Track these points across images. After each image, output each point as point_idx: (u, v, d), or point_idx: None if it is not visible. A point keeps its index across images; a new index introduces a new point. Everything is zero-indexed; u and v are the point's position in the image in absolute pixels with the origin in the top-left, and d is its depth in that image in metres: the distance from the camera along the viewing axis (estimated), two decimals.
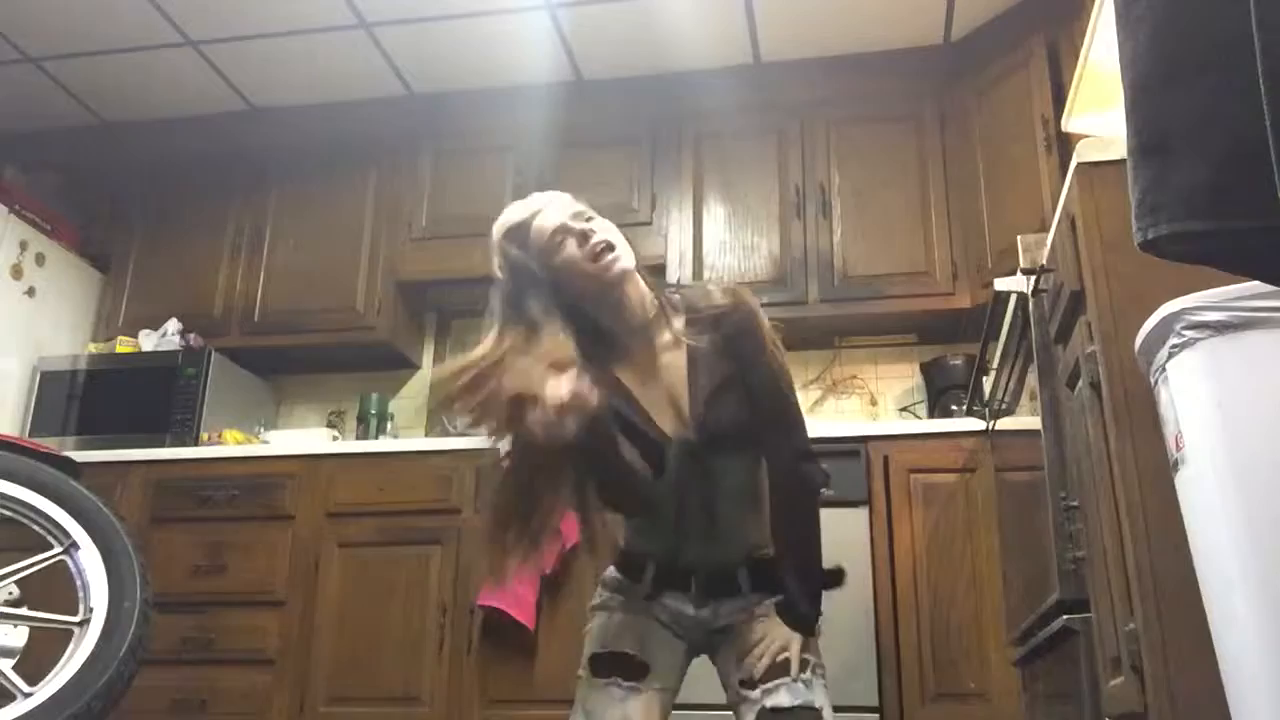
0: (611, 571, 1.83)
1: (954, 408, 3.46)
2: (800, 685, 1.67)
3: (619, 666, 1.72)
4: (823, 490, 1.75)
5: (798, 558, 1.74)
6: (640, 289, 1.72)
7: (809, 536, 1.74)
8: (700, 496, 1.73)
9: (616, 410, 1.67)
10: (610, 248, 1.67)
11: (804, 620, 1.72)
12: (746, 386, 1.72)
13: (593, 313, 1.69)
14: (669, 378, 1.74)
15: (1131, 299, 1.61)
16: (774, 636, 1.70)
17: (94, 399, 3.91)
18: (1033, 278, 2.20)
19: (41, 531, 1.95)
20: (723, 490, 1.75)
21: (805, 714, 1.65)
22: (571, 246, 1.67)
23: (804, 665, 1.69)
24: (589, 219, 1.71)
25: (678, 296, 1.79)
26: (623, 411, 1.69)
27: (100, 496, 2.02)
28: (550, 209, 1.73)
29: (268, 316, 4.08)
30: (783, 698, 1.66)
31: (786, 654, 1.69)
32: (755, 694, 1.68)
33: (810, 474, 1.74)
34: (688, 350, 1.73)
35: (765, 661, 1.68)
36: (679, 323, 1.74)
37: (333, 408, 4.26)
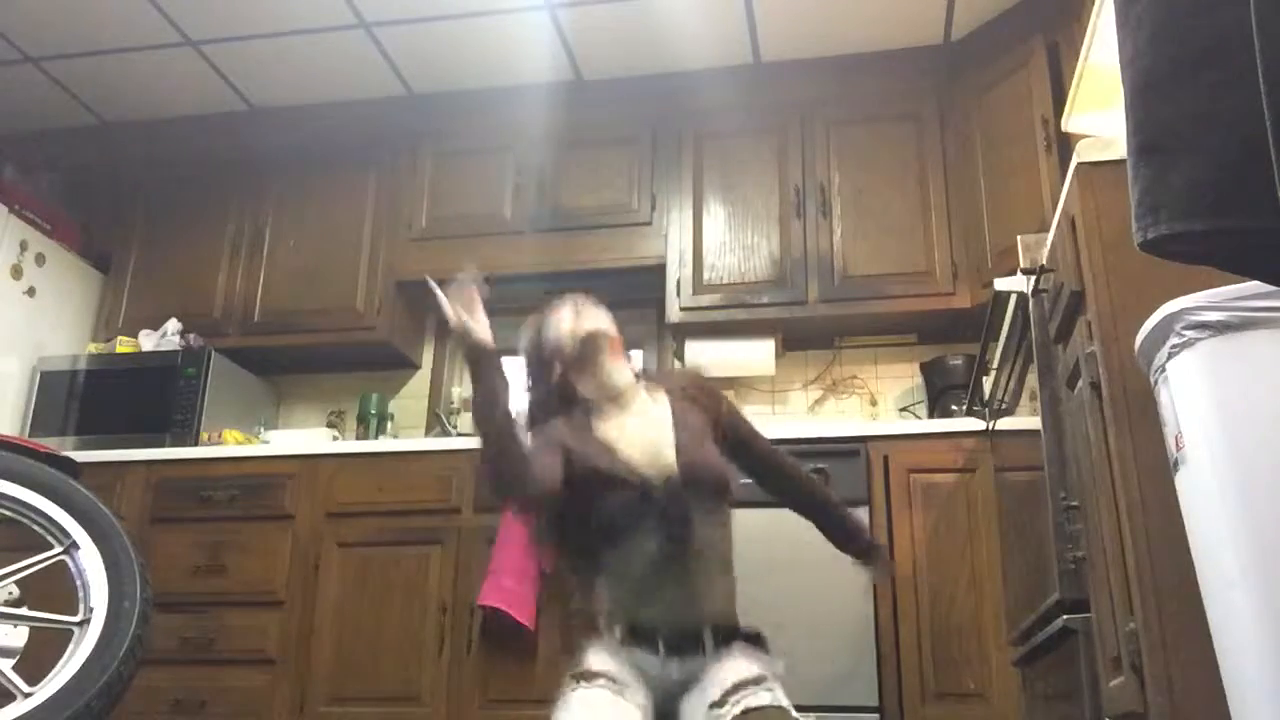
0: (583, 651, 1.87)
1: (954, 408, 3.46)
2: (765, 693, 1.74)
3: (604, 675, 1.78)
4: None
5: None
6: (619, 361, 1.99)
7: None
8: (675, 543, 1.82)
9: (593, 463, 1.87)
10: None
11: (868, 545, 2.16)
12: (732, 436, 2.01)
13: (576, 383, 1.97)
14: (649, 430, 1.92)
15: (1131, 299, 1.61)
16: (738, 667, 1.78)
17: (94, 399, 3.91)
18: (1033, 278, 2.20)
19: (41, 531, 1.95)
20: (696, 541, 1.83)
21: (777, 713, 1.71)
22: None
23: (765, 680, 1.76)
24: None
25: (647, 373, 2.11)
26: (599, 463, 1.86)
27: (100, 496, 2.02)
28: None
29: (268, 316, 4.07)
30: (756, 699, 1.72)
31: (751, 676, 1.76)
32: (725, 709, 1.71)
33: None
34: (671, 405, 1.97)
35: (732, 679, 1.74)
36: (654, 388, 2.02)
37: (333, 408, 4.25)
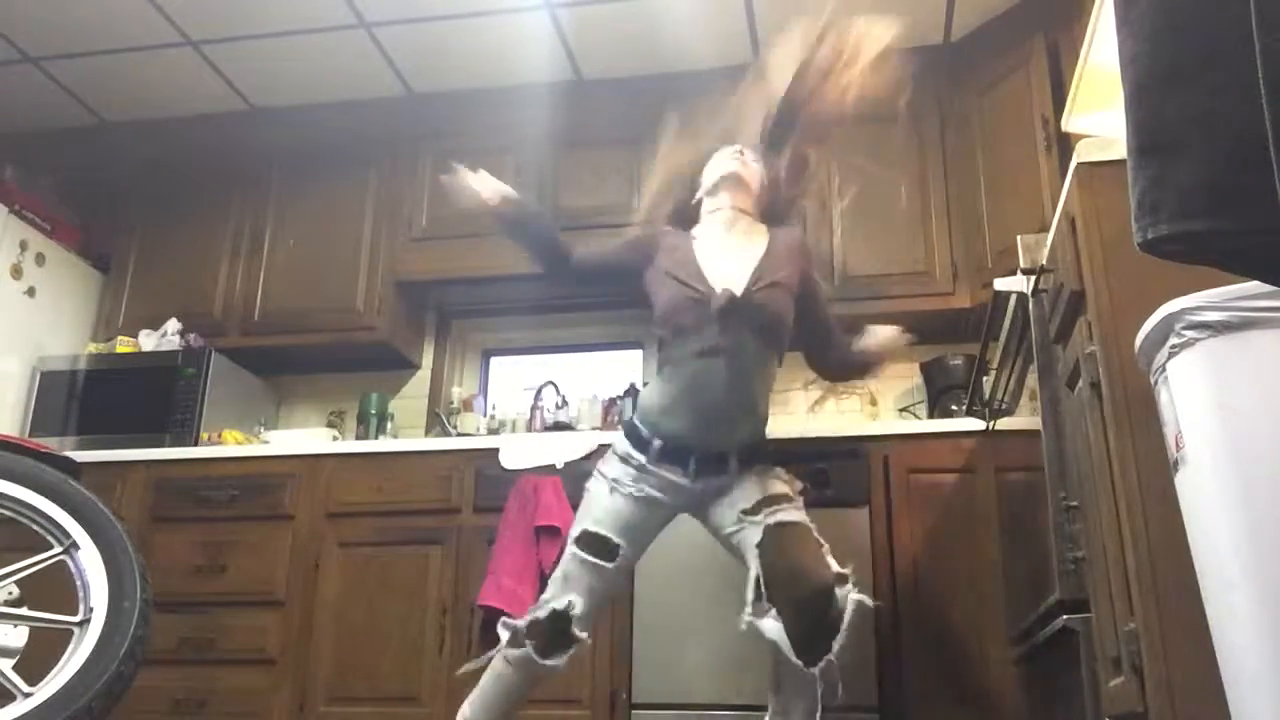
0: (621, 446, 2.26)
1: (954, 408, 3.46)
2: (795, 511, 2.16)
3: (597, 548, 2.17)
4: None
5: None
6: (745, 192, 2.38)
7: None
8: (719, 355, 2.17)
9: (668, 266, 2.29)
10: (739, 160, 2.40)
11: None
12: (805, 292, 2.32)
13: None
14: (737, 257, 2.28)
15: (1131, 299, 1.61)
16: (765, 484, 2.20)
17: (94, 399, 3.91)
18: (1033, 278, 2.20)
19: (41, 531, 1.94)
20: (737, 361, 2.17)
21: (805, 529, 2.14)
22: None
23: (792, 499, 2.18)
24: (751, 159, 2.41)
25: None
26: (674, 270, 2.27)
27: (100, 496, 2.02)
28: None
29: (268, 316, 4.07)
30: (787, 515, 2.14)
31: (780, 492, 2.18)
32: (759, 517, 2.13)
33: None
34: (769, 246, 2.31)
35: (762, 493, 2.17)
36: (763, 230, 2.37)
37: (333, 408, 4.25)
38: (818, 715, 2.14)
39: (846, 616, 2.07)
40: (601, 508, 2.21)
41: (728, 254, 2.29)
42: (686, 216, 2.45)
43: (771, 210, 2.43)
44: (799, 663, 2.04)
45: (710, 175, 2.41)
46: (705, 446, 2.20)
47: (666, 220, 2.48)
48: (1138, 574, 1.53)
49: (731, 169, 2.38)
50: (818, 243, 3.70)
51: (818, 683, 2.08)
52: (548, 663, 2.18)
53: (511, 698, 2.24)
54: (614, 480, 2.23)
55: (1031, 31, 3.54)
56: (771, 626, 2.05)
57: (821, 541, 2.13)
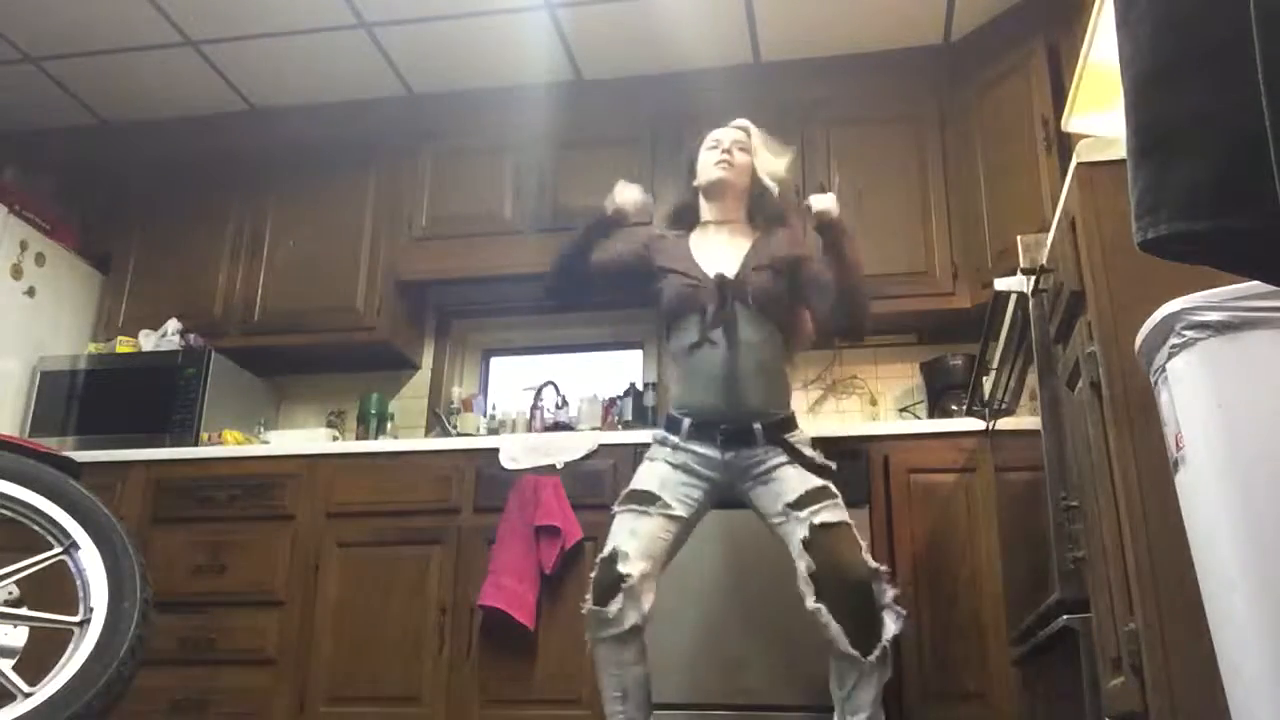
0: (659, 433, 2.48)
1: (954, 408, 3.46)
2: (836, 509, 2.29)
3: (633, 498, 2.37)
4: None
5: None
6: (735, 196, 2.59)
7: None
8: (722, 339, 2.39)
9: (664, 263, 2.54)
10: (725, 164, 2.57)
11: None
12: (795, 276, 2.49)
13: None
14: (727, 249, 2.53)
15: (1131, 299, 1.61)
16: (804, 476, 2.33)
17: (94, 399, 3.91)
18: (1033, 278, 2.20)
19: (41, 531, 1.95)
20: (739, 341, 2.39)
21: (847, 529, 2.28)
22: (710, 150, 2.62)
23: (832, 493, 2.32)
24: (741, 148, 2.59)
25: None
26: (672, 265, 2.52)
27: (100, 496, 2.02)
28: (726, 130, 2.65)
29: (268, 316, 4.08)
30: (830, 515, 2.28)
31: (819, 484, 2.31)
32: (803, 514, 2.27)
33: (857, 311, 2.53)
34: (759, 236, 2.56)
35: (805, 486, 2.30)
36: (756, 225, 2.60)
37: (333, 408, 4.25)
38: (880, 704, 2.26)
39: (890, 611, 2.25)
40: (640, 475, 2.42)
41: (719, 248, 2.54)
42: (686, 213, 2.67)
43: (762, 202, 2.62)
44: (856, 653, 2.19)
45: (703, 173, 2.61)
46: (729, 418, 2.38)
47: (665, 219, 2.74)
48: (1138, 574, 1.53)
49: (717, 175, 2.58)
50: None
51: (876, 672, 2.23)
52: (607, 609, 2.25)
53: (620, 676, 2.31)
54: (653, 456, 2.45)
55: (1031, 31, 3.54)
56: (831, 621, 2.21)
57: (860, 539, 2.30)
